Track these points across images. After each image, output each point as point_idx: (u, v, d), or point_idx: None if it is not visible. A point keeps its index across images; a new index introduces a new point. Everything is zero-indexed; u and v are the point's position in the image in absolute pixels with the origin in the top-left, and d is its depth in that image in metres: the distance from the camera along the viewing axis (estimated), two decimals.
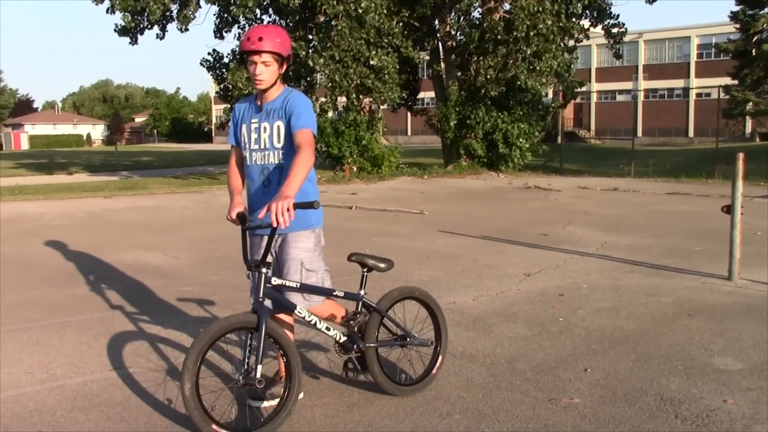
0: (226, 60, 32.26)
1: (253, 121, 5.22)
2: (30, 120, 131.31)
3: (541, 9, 27.32)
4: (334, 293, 5.24)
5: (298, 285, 5.04)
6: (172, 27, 31.19)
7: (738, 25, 44.90)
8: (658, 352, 6.57)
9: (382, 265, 5.44)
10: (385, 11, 27.53)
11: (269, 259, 4.99)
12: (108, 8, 29.25)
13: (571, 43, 32.40)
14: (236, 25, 31.98)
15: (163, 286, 9.49)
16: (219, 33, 32.11)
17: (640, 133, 69.29)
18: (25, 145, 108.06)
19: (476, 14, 31.90)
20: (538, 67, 28.84)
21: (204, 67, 32.84)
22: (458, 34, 32.75)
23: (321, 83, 30.23)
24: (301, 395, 5.36)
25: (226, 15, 31.00)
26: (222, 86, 32.56)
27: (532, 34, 27.70)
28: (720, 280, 9.62)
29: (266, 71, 5.01)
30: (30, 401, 5.43)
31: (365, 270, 5.43)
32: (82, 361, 6.39)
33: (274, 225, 4.39)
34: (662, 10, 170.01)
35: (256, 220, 4.96)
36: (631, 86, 77.27)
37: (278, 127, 5.10)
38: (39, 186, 26.79)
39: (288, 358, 4.88)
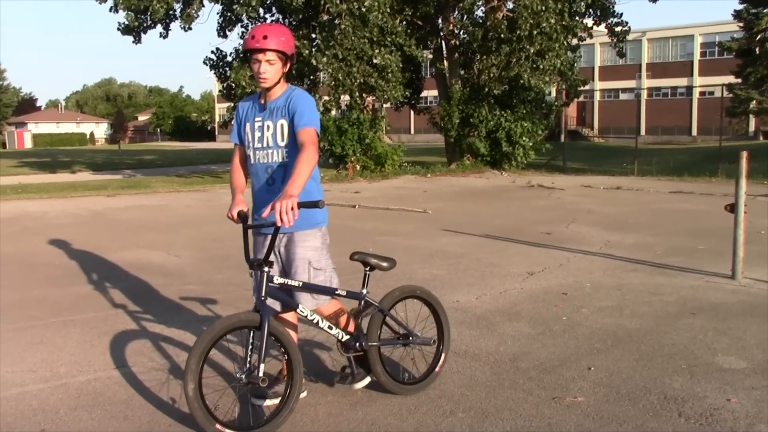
0: (229, 58, 32.20)
1: (256, 119, 5.22)
2: (33, 119, 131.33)
3: (544, 8, 27.28)
4: (337, 292, 5.24)
5: (301, 284, 5.04)
6: (175, 26, 31.13)
7: (741, 24, 44.88)
8: (662, 351, 6.56)
9: (385, 264, 5.44)
10: (388, 10, 27.49)
11: (272, 258, 5.00)
12: (111, 7, 29.25)
13: (575, 41, 32.38)
14: (239, 24, 31.97)
15: (166, 284, 9.49)
16: (222, 32, 32.10)
17: (643, 131, 69.26)
18: (28, 144, 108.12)
19: (479, 13, 31.91)
20: (541, 66, 28.80)
21: (207, 65, 32.78)
22: (461, 32, 32.70)
23: (324, 82, 30.24)
24: (304, 394, 5.37)
25: (229, 14, 31.00)
26: (225, 85, 32.50)
27: (535, 32, 27.65)
28: (723, 279, 9.61)
29: (270, 70, 5.01)
30: (33, 399, 5.44)
31: (367, 269, 5.43)
32: (85, 359, 6.40)
33: (278, 224, 4.40)
34: (665, 8, 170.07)
35: (259, 219, 4.97)
36: (635, 85, 77.27)
37: (282, 125, 5.10)
38: (42, 184, 26.80)
39: (289, 356, 4.88)
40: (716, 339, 6.94)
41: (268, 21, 31.75)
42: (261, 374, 4.65)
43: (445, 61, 33.04)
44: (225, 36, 32.23)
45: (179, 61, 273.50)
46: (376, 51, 27.54)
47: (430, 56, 33.66)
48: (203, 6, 29.74)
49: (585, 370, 6.05)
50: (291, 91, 5.17)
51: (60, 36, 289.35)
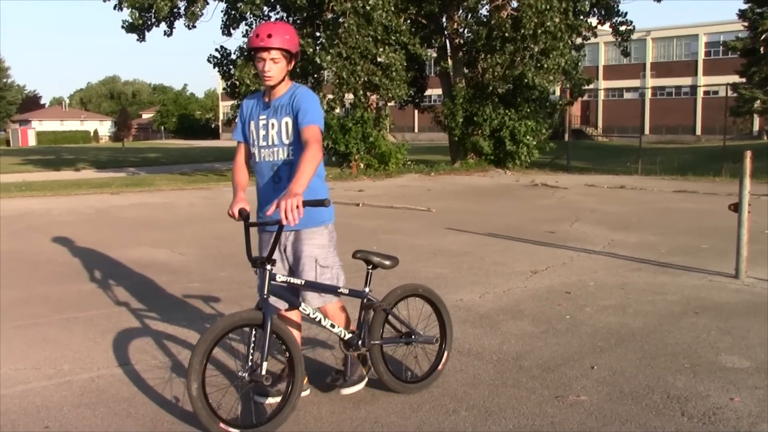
0: (233, 56, 32.25)
1: (261, 117, 5.22)
2: (37, 116, 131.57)
3: (548, 6, 27.25)
4: (339, 290, 5.24)
5: (304, 282, 5.05)
6: (179, 24, 31.18)
7: (746, 23, 44.85)
8: (665, 350, 6.56)
9: (387, 263, 5.44)
10: (392, 8, 27.49)
11: (278, 256, 5.00)
12: (116, 5, 29.30)
13: (579, 40, 32.40)
14: (243, 22, 32.07)
15: (170, 282, 9.50)
16: (226, 30, 32.13)
17: (647, 130, 69.28)
18: (32, 142, 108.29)
19: (484, 11, 31.92)
20: (545, 65, 28.78)
21: (211, 63, 32.83)
22: (466, 31, 32.70)
23: (328, 80, 30.21)
24: (306, 392, 5.37)
25: (233, 12, 31.05)
26: (229, 83, 32.52)
27: (539, 31, 27.63)
28: (727, 278, 9.61)
29: (275, 68, 5.01)
30: (37, 397, 5.44)
31: (370, 267, 5.42)
32: (88, 357, 6.40)
33: (283, 222, 4.40)
34: (670, 8, 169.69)
35: (264, 217, 4.97)
36: (639, 84, 77.18)
37: (286, 123, 5.11)
38: (46, 182, 26.84)
39: (291, 353, 4.88)
40: (719, 338, 6.94)
41: (273, 19, 31.79)
42: (264, 372, 4.66)
43: (449, 60, 33.00)
44: (229, 34, 32.29)
45: (183, 59, 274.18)
46: (381, 49, 27.53)
47: (434, 55, 33.67)
48: (207, 4, 29.85)
49: (588, 369, 6.05)
50: (295, 89, 5.17)
51: (64, 34, 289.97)
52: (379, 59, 27.68)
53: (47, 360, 6.31)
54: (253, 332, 4.74)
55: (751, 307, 8.17)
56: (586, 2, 29.72)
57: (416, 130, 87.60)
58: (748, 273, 9.60)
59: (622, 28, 33.31)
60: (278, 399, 4.99)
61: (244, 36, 34.01)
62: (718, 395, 5.46)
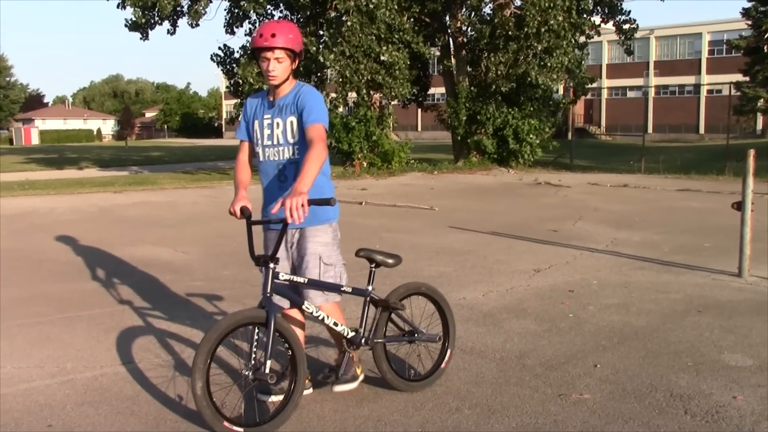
0: (236, 55, 32.28)
1: (265, 117, 5.22)
2: (40, 115, 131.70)
3: (552, 5, 27.26)
4: (342, 289, 5.24)
5: (307, 281, 5.05)
6: (182, 22, 31.15)
7: (750, 22, 44.81)
8: (668, 349, 6.56)
9: (390, 261, 5.44)
10: (395, 7, 27.49)
11: (282, 254, 5.01)
12: (119, 3, 29.36)
13: (582, 39, 32.36)
14: (247, 20, 32.07)
15: (173, 281, 9.51)
16: (230, 28, 32.14)
17: (650, 129, 69.31)
18: (35, 140, 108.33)
19: (487, 10, 31.91)
20: (548, 63, 28.79)
21: (214, 62, 32.87)
22: (469, 29, 32.72)
23: (331, 79, 30.24)
24: (309, 390, 5.38)
25: (236, 10, 31.06)
26: (232, 81, 32.53)
27: (543, 30, 27.64)
28: (730, 277, 9.61)
29: (279, 67, 5.02)
30: (40, 395, 5.45)
31: (373, 265, 5.43)
32: (92, 355, 6.41)
33: (289, 221, 4.41)
34: (673, 6, 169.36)
35: (269, 215, 4.98)
36: (642, 82, 77.16)
37: (291, 122, 5.11)
38: (49, 181, 26.87)
39: (293, 351, 4.88)
40: (722, 336, 6.94)
41: (276, 17, 31.78)
42: (268, 370, 4.66)
43: (452, 59, 32.99)
44: (232, 32, 32.30)
45: (186, 58, 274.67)
46: (384, 48, 27.54)
47: (438, 53, 33.65)
48: (210, 2, 29.83)
49: (591, 368, 6.05)
50: (299, 88, 5.18)
51: (67, 32, 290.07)
52: (382, 58, 27.69)
53: (50, 358, 6.31)
54: (256, 330, 4.74)
55: (754, 305, 8.16)
56: (590, 0, 29.67)
57: (419, 128, 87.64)
58: (751, 271, 9.59)
59: (626, 26, 33.31)
60: (281, 397, 4.99)
61: (247, 34, 34.02)
62: (721, 393, 5.46)
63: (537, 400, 5.37)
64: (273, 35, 4.92)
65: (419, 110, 46.14)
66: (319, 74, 30.00)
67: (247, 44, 31.85)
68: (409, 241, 12.54)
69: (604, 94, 78.03)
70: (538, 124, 31.33)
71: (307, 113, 5.00)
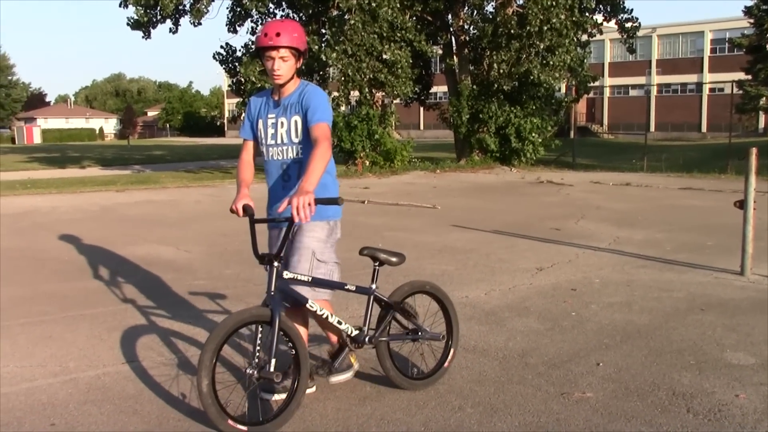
0: (239, 54, 32.26)
1: (270, 116, 5.23)
2: (43, 114, 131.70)
3: (554, 3, 27.26)
4: (346, 287, 5.24)
5: (310, 279, 5.05)
6: (184, 21, 31.10)
7: (752, 20, 44.78)
8: (671, 347, 6.56)
9: (394, 259, 5.43)
10: (398, 5, 27.46)
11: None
12: (121, 2, 29.35)
13: (585, 37, 32.38)
14: (249, 19, 32.05)
15: (176, 279, 9.51)
16: (232, 27, 32.13)
17: (652, 128, 69.15)
18: (37, 139, 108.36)
19: (489, 8, 31.92)
20: (551, 62, 28.81)
21: (217, 60, 32.86)
22: (471, 28, 32.71)
23: (334, 77, 30.24)
24: (312, 389, 5.38)
25: (238, 8, 31.04)
26: (235, 80, 32.54)
27: (545, 28, 27.64)
28: (732, 275, 9.61)
29: (284, 66, 5.02)
30: (43, 394, 5.45)
31: (377, 264, 5.42)
32: (94, 354, 6.41)
33: (296, 220, 4.42)
34: (676, 4, 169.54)
35: (274, 214, 4.98)
36: (644, 81, 77.17)
37: (295, 122, 5.12)
38: (51, 180, 26.87)
39: (296, 350, 4.88)
40: (725, 335, 6.94)
41: (278, 16, 31.81)
42: (272, 369, 4.67)
43: (454, 57, 33.01)
44: (235, 31, 32.29)
45: (188, 57, 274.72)
46: (386, 46, 27.54)
47: (440, 52, 33.61)
48: (213, 1, 29.75)
49: (594, 366, 6.05)
50: (304, 87, 5.19)
51: (69, 31, 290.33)
52: (384, 56, 27.70)
53: (53, 357, 6.31)
54: (260, 329, 4.74)
55: (757, 304, 8.16)
56: None
57: (422, 127, 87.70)
58: (753, 270, 9.59)
59: (628, 24, 33.26)
60: (284, 396, 4.99)
61: (249, 33, 34.01)
62: (723, 392, 5.46)
63: (540, 398, 5.37)
64: (278, 34, 4.92)
65: (421, 109, 46.17)
66: (321, 73, 29.96)
67: (250, 43, 31.90)
68: (412, 240, 12.54)
69: (607, 92, 78.09)
70: (541, 122, 31.33)
71: (311, 112, 5.01)
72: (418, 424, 4.93)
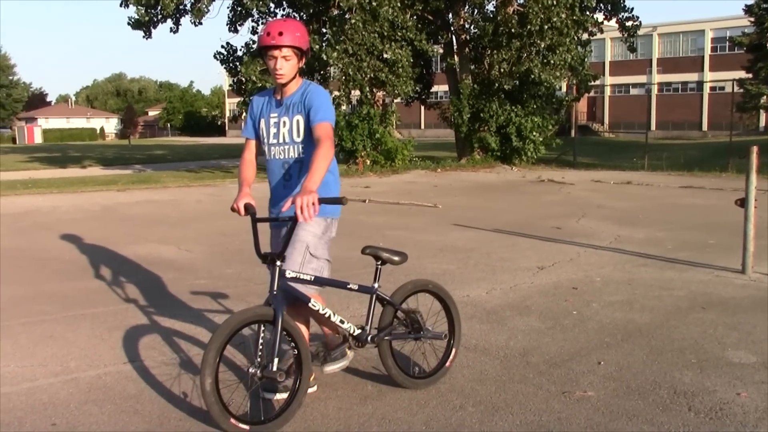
0: (239, 53, 32.27)
1: (272, 115, 5.24)
2: (43, 114, 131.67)
3: (555, 2, 27.27)
4: (348, 286, 5.24)
5: (313, 278, 5.05)
6: (185, 20, 31.16)
7: (753, 19, 44.75)
8: (672, 346, 6.56)
9: (396, 258, 5.43)
10: (398, 4, 27.46)
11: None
12: (122, 2, 29.34)
13: (585, 36, 32.37)
14: (250, 18, 32.02)
15: (177, 279, 9.51)
16: (233, 26, 32.11)
17: (653, 126, 69.13)
18: (38, 139, 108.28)
19: (490, 7, 31.88)
20: (551, 61, 28.83)
21: (217, 60, 32.87)
22: (472, 27, 32.69)
23: (334, 77, 30.24)
24: (314, 388, 5.38)
25: (239, 8, 31.01)
26: (235, 80, 32.56)
27: (546, 27, 27.66)
28: (734, 274, 9.61)
29: (286, 65, 5.03)
30: (44, 394, 5.45)
31: (379, 263, 5.42)
32: (95, 354, 6.41)
33: (299, 219, 4.42)
34: (676, 3, 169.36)
35: (277, 213, 4.99)
36: (645, 80, 77.08)
37: (298, 121, 5.13)
38: (52, 179, 26.86)
39: (299, 349, 4.88)
40: (726, 333, 6.94)
41: (279, 15, 31.80)
42: (275, 368, 4.67)
43: (455, 56, 33.01)
44: (236, 31, 32.27)
45: (189, 56, 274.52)
46: (387, 46, 27.53)
47: (441, 51, 33.60)
48: (213, 0, 29.75)
49: (595, 365, 6.05)
50: (307, 87, 5.19)
51: (70, 31, 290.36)
52: (385, 56, 27.69)
53: (54, 357, 6.31)
54: (262, 328, 4.74)
55: (758, 302, 8.16)
56: None
57: (422, 126, 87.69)
58: (754, 268, 9.60)
59: (629, 23, 33.27)
60: (285, 395, 4.99)
61: (250, 32, 34.00)
62: (724, 390, 5.46)
63: (541, 397, 5.37)
64: (280, 33, 4.92)
65: (422, 108, 46.16)
66: (322, 72, 29.97)
67: (250, 42, 31.88)
68: (413, 239, 12.54)
69: (607, 91, 78.04)
70: (542, 121, 31.35)
71: (314, 112, 5.01)
72: (420, 423, 4.93)
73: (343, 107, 30.03)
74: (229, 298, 8.40)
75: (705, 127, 71.93)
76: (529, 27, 27.64)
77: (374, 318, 5.40)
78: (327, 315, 5.14)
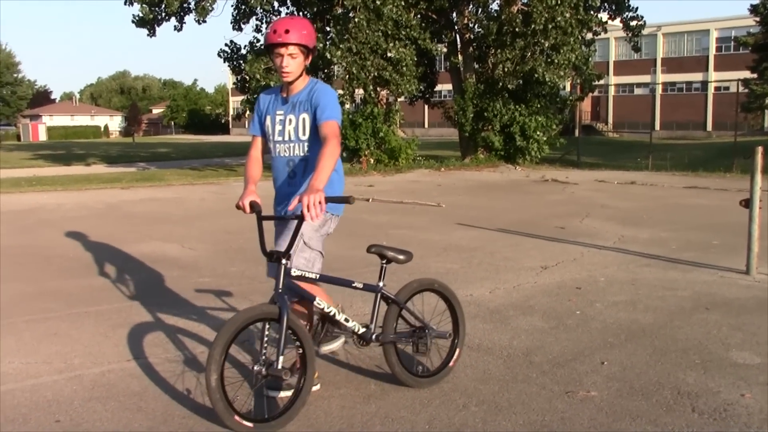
0: (243, 51, 32.25)
1: (278, 113, 5.24)
2: (48, 111, 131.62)
3: (559, 1, 27.25)
4: (353, 285, 5.24)
5: (317, 276, 5.05)
6: (189, 18, 31.18)
7: (758, 19, 44.66)
8: (675, 346, 6.56)
9: (401, 257, 5.43)
10: (402, 3, 27.45)
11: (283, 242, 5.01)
12: (126, 0, 29.32)
13: (590, 35, 32.31)
14: (254, 17, 32.00)
15: (181, 277, 9.52)
16: (236, 24, 32.11)
17: (657, 126, 69.09)
18: (43, 137, 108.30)
19: (494, 6, 31.85)
20: (556, 60, 28.78)
21: (221, 58, 32.86)
22: (476, 26, 32.67)
23: (338, 75, 30.21)
24: (317, 386, 5.38)
25: (243, 6, 31.02)
26: (239, 77, 32.53)
27: (550, 26, 27.64)
28: (738, 274, 9.60)
29: (293, 63, 5.03)
30: (48, 391, 5.46)
31: (384, 262, 5.42)
32: (99, 351, 6.41)
33: (306, 218, 4.42)
34: (681, 3, 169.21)
35: (282, 211, 4.99)
36: (649, 79, 76.94)
37: (303, 119, 5.13)
38: (57, 177, 26.87)
39: (303, 348, 4.88)
40: (730, 334, 6.93)
41: (283, 14, 31.79)
42: (281, 366, 4.67)
43: (459, 55, 32.96)
44: (239, 29, 32.26)
45: (193, 54, 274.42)
46: (391, 44, 27.51)
47: (445, 50, 33.58)
48: None
49: (598, 365, 6.05)
50: (314, 85, 5.20)
51: (74, 28, 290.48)
52: (389, 54, 27.66)
53: (58, 354, 6.32)
54: (266, 326, 4.75)
55: (762, 303, 8.15)
56: None
57: (426, 125, 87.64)
58: (759, 269, 9.59)
59: (633, 23, 33.22)
60: (289, 393, 4.99)
61: (254, 31, 34.02)
62: (728, 391, 5.45)
63: (544, 397, 5.36)
64: (287, 31, 4.93)
65: (426, 107, 46.10)
66: (326, 71, 29.92)
67: (254, 40, 31.92)
68: (416, 238, 12.53)
69: (612, 91, 77.94)
70: (545, 121, 31.32)
71: (321, 110, 5.01)
72: (423, 423, 4.93)
73: (347, 106, 30.02)
74: (232, 296, 8.41)
75: (709, 127, 71.83)
76: (533, 26, 27.62)
77: (379, 317, 5.40)
78: (332, 313, 5.14)
